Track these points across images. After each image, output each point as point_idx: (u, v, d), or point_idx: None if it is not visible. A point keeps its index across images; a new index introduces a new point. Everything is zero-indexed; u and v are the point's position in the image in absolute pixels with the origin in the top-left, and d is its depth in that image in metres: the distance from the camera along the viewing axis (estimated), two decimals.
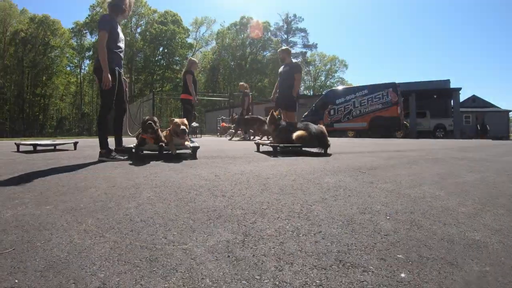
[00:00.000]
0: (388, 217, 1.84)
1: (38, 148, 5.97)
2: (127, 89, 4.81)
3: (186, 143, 4.79)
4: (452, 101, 24.68)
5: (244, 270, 1.24)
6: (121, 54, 4.50)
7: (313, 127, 5.33)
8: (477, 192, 2.49)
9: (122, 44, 4.48)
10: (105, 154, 4.34)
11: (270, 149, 5.34)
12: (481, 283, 1.16)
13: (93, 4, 50.28)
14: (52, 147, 6.31)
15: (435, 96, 25.16)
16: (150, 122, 4.54)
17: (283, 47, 7.83)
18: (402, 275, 1.20)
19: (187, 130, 4.76)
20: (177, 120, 4.76)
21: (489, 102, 37.06)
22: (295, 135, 5.23)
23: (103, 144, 4.41)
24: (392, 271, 1.22)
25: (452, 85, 26.10)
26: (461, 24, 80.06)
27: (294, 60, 7.68)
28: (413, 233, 1.60)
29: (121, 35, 4.48)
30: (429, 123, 23.18)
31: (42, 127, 47.28)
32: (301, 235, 1.58)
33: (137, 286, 1.12)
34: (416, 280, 1.16)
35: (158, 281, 1.16)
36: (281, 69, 7.43)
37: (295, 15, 56.79)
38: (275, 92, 7.66)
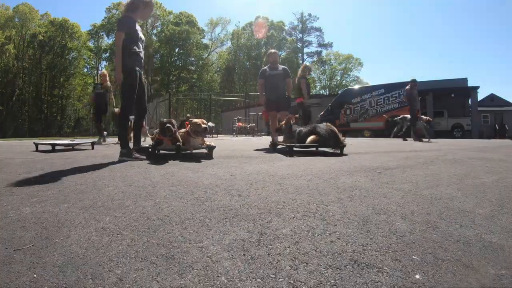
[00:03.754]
0: (404, 218, 1.83)
1: (57, 147, 6.11)
2: (146, 90, 4.83)
3: (207, 142, 4.86)
4: (470, 100, 24.22)
5: (259, 268, 1.25)
6: (141, 55, 4.53)
7: (322, 128, 5.34)
8: (494, 194, 2.44)
9: (141, 45, 4.50)
10: (126, 154, 4.39)
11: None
12: (496, 287, 1.14)
13: (109, 6, 51.12)
14: (70, 147, 6.44)
15: (452, 95, 24.71)
16: (169, 126, 4.59)
17: (274, 50, 7.72)
18: (417, 276, 1.19)
19: (207, 129, 4.85)
20: (196, 120, 4.83)
21: (508, 101, 36.23)
22: (308, 141, 5.29)
23: (124, 143, 4.47)
24: (407, 272, 1.21)
25: (470, 84, 25.47)
26: (478, 21, 78.41)
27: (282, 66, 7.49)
28: (429, 235, 1.59)
29: (141, 36, 4.51)
30: (446, 122, 22.80)
31: (60, 127, 48.12)
32: (316, 234, 1.58)
33: (153, 283, 1.14)
34: (431, 282, 1.15)
35: (174, 278, 1.17)
36: (270, 71, 7.14)
37: (310, 14, 56.61)
38: (263, 95, 7.30)
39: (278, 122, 6.94)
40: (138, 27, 4.49)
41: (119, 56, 4.25)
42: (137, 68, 4.43)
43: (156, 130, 5.01)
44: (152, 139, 4.94)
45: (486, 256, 1.36)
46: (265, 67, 7.29)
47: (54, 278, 1.18)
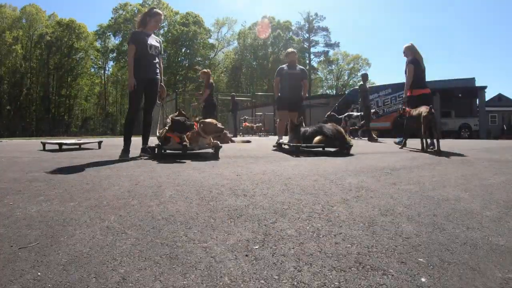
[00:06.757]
0: (410, 220, 1.81)
1: (64, 147, 6.15)
2: (164, 95, 5.22)
3: (213, 142, 4.89)
4: (477, 100, 23.97)
5: (262, 269, 1.24)
6: (154, 61, 4.87)
7: (327, 128, 5.35)
8: (502, 195, 2.41)
9: (153, 51, 4.82)
10: (125, 151, 4.62)
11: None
12: None
13: (116, 7, 51.40)
14: (77, 146, 6.48)
15: (459, 95, 24.45)
16: (190, 123, 4.76)
17: (292, 49, 7.60)
18: (423, 279, 1.17)
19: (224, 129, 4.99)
20: (209, 120, 4.91)
21: None
22: (314, 141, 5.29)
23: (126, 143, 4.69)
24: (412, 275, 1.20)
25: (477, 84, 25.16)
26: (485, 20, 77.60)
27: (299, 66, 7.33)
28: (435, 237, 1.57)
29: (153, 43, 4.83)
30: (454, 122, 22.60)
31: (67, 126, 48.32)
32: (321, 236, 1.57)
33: (156, 283, 1.14)
34: (436, 285, 1.14)
35: (178, 278, 1.17)
36: (288, 70, 6.97)
37: (316, 14, 56.21)
38: (278, 94, 7.06)
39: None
40: (152, 38, 4.87)
41: (130, 65, 4.64)
42: (147, 77, 4.76)
43: (160, 130, 5.03)
44: (158, 138, 4.96)
45: (493, 259, 1.34)
46: (283, 66, 7.16)
47: (57, 277, 1.18)
